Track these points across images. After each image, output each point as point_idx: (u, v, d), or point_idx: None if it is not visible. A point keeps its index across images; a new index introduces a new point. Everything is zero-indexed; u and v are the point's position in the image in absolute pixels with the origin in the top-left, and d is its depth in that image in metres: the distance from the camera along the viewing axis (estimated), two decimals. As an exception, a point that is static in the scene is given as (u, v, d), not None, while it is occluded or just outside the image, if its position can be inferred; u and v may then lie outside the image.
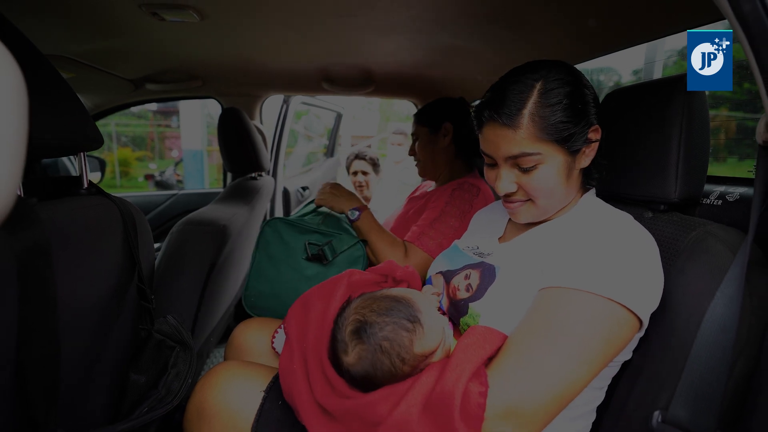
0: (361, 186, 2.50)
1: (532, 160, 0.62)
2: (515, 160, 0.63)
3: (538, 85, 0.62)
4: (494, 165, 0.68)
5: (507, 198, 0.68)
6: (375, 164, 2.51)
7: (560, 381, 0.52)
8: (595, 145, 0.66)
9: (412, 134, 1.33)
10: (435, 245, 1.08)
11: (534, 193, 0.65)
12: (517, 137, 0.61)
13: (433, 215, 1.14)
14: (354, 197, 1.19)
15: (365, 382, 0.58)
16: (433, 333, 0.59)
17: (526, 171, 0.63)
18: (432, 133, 1.25)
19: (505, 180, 0.65)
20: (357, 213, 1.13)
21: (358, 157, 2.49)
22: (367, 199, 2.55)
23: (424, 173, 1.33)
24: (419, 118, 1.30)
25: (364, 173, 2.46)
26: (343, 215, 1.18)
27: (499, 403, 0.51)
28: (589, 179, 0.71)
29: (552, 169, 0.63)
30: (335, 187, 1.21)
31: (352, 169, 2.52)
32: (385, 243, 1.10)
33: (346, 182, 2.62)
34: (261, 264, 1.09)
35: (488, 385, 0.52)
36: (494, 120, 0.63)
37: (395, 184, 3.02)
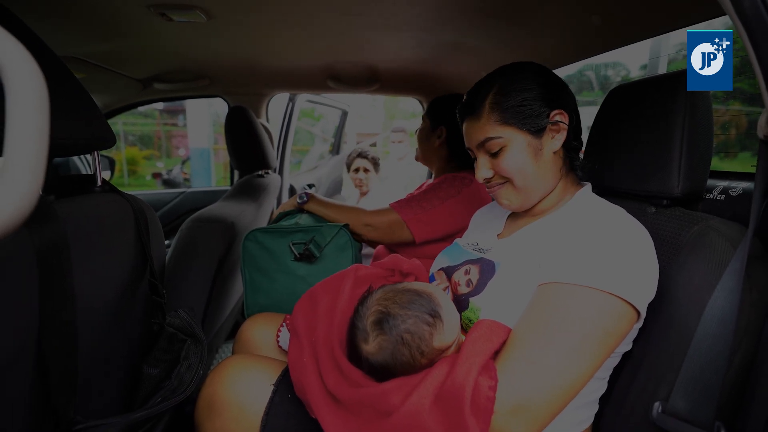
0: (360, 182, 2.61)
1: (497, 143, 0.69)
2: (484, 146, 0.71)
3: (500, 80, 0.71)
4: (476, 158, 0.75)
5: (487, 184, 0.75)
6: (376, 163, 2.60)
7: (564, 375, 0.53)
8: (563, 127, 0.69)
9: (423, 118, 1.34)
10: (409, 210, 1.13)
11: (507, 175, 0.71)
12: (481, 124, 0.70)
13: (417, 193, 1.20)
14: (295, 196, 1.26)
15: (382, 372, 0.59)
16: (452, 328, 0.60)
17: (495, 155, 0.71)
18: (431, 128, 1.27)
19: (482, 167, 0.73)
20: (305, 196, 1.21)
21: (361, 155, 2.58)
22: (365, 194, 2.64)
23: (419, 159, 1.36)
24: (428, 108, 1.31)
25: (366, 170, 2.57)
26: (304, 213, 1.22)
27: (507, 398, 0.52)
28: (573, 165, 0.74)
29: (517, 150, 0.69)
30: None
31: (353, 166, 2.59)
32: (343, 210, 1.17)
33: (350, 179, 2.69)
34: (253, 279, 1.09)
35: (497, 379, 0.53)
36: (465, 115, 0.73)
37: (401, 182, 3.03)
